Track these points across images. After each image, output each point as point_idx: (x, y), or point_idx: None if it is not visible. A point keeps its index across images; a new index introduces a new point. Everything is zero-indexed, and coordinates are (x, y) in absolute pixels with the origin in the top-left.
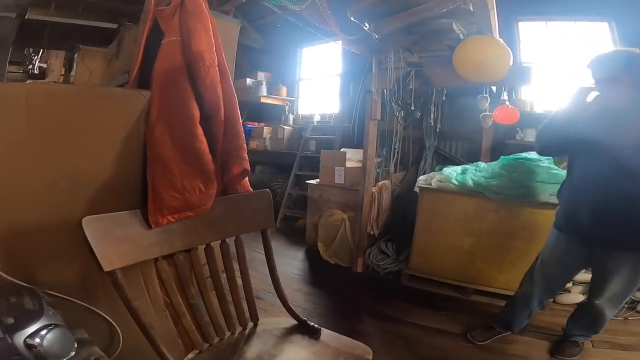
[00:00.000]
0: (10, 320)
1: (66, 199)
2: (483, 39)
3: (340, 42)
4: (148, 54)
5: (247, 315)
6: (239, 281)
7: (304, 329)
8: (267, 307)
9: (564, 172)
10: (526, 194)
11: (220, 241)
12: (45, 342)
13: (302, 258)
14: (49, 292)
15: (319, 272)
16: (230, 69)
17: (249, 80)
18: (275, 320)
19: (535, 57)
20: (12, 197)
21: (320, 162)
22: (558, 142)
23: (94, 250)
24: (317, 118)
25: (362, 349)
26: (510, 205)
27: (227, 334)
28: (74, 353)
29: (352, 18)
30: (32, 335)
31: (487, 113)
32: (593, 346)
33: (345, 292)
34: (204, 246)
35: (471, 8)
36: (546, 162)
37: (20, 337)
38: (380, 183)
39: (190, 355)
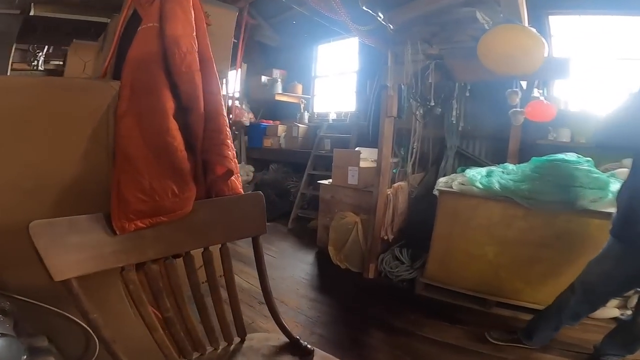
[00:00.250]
0: None
1: (31, 200)
2: (513, 28)
3: (356, 37)
4: (127, 44)
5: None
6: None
7: (295, 349)
8: (269, 313)
9: (605, 176)
10: (562, 200)
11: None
12: None
13: (312, 261)
14: (16, 296)
15: (328, 277)
16: (225, 58)
17: (264, 78)
18: (265, 336)
19: (568, 52)
20: None
21: (333, 161)
22: (626, 133)
23: (42, 258)
24: (332, 116)
25: None
26: (542, 212)
27: (209, 349)
28: None
29: (364, 7)
30: None
31: (518, 109)
32: None
33: (353, 300)
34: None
35: None
36: (586, 164)
37: None
38: (396, 185)
39: None
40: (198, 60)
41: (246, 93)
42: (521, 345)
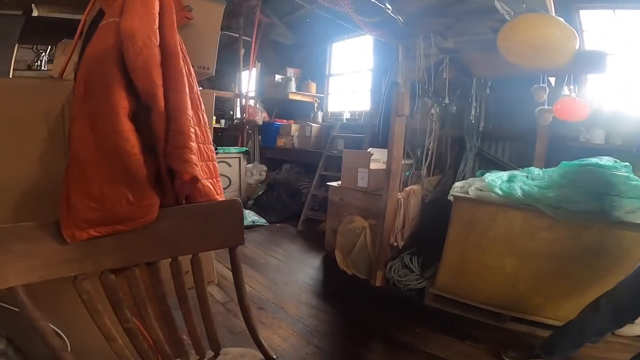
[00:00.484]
0: None
1: None
2: (539, 18)
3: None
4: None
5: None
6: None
7: None
8: (267, 320)
9: None
10: (594, 210)
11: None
12: None
13: (318, 266)
14: None
15: (333, 284)
16: (211, 52)
17: (277, 77)
18: (240, 352)
19: (602, 48)
20: None
21: (343, 162)
22: None
23: None
24: (346, 115)
25: None
26: (571, 223)
27: None
28: None
29: None
30: None
31: (546, 107)
32: None
33: (357, 310)
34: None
35: None
36: (623, 170)
37: None
38: (408, 188)
39: None
40: (159, 55)
41: (260, 92)
42: None
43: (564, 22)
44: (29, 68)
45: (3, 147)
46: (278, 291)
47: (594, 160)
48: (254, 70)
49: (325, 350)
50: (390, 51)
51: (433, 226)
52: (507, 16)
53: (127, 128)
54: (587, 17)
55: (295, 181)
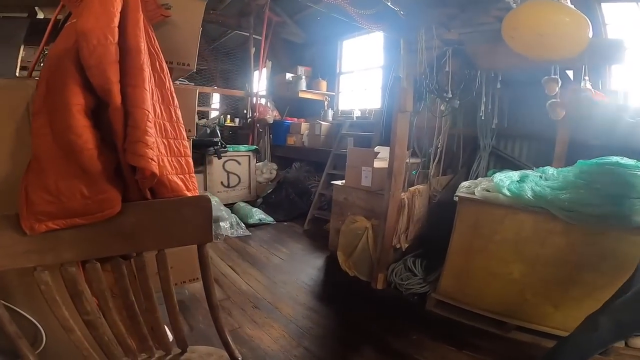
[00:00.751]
0: None
1: None
2: (545, 4)
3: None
4: None
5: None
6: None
7: None
8: (261, 319)
9: None
10: (613, 214)
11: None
12: None
13: (320, 266)
14: None
15: (333, 285)
16: (191, 49)
17: (288, 75)
18: (208, 350)
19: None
20: None
21: (347, 160)
22: None
23: None
24: (357, 113)
25: None
26: (586, 228)
27: (143, 356)
28: None
29: None
30: None
31: (558, 100)
32: None
33: (354, 313)
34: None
35: None
36: None
37: None
38: (413, 188)
39: None
40: (116, 53)
41: (271, 91)
42: None
43: (574, 8)
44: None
45: None
46: (276, 291)
47: (613, 159)
48: (264, 69)
49: (314, 353)
50: (400, 48)
51: (440, 228)
52: (512, 4)
53: (81, 124)
54: (610, 9)
55: (305, 180)
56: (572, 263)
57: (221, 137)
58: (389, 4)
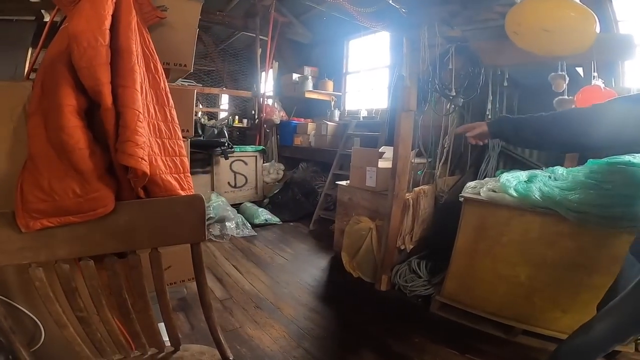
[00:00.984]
0: None
1: None
2: None
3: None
4: None
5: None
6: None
7: None
8: (262, 319)
9: None
10: (625, 215)
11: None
12: None
13: (324, 267)
14: None
15: (337, 286)
16: (188, 49)
17: (295, 76)
18: (200, 349)
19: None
20: None
21: (351, 160)
22: None
23: None
24: (363, 113)
25: None
26: (596, 230)
27: (136, 353)
28: None
29: None
30: None
31: (566, 97)
32: None
33: (356, 314)
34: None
35: None
36: None
37: None
38: (417, 188)
39: None
40: (107, 54)
41: (278, 91)
42: None
43: (579, 2)
44: None
45: None
46: (278, 291)
47: (626, 158)
48: (271, 70)
49: (313, 355)
50: None
51: (446, 229)
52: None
53: (72, 124)
54: (623, 7)
55: (311, 180)
56: (582, 266)
57: (230, 138)
58: (390, 1)
